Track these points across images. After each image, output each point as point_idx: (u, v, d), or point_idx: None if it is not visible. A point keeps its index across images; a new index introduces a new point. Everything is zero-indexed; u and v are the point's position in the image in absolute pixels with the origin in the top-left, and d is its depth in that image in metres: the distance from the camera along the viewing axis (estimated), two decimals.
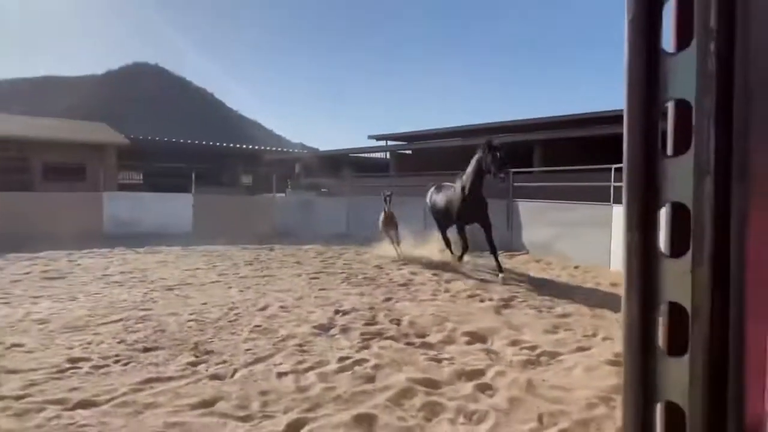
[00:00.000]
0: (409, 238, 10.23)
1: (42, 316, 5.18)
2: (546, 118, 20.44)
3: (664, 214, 0.26)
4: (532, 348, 4.41)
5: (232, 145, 32.55)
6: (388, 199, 9.34)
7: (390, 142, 29.33)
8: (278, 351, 4.19)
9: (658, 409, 0.25)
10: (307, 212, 15.26)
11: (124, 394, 3.31)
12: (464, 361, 4.02)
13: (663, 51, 0.25)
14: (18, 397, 3.25)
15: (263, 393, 3.35)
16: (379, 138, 30.09)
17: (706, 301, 0.23)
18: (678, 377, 0.25)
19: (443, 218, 9.09)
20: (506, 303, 6.09)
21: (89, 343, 4.31)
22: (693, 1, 0.23)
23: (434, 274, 7.96)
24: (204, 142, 29.58)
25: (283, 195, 19.26)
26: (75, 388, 3.40)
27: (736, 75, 0.23)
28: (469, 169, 8.16)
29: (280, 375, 3.66)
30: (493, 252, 7.69)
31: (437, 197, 9.31)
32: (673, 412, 0.25)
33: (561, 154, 16.99)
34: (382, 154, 30.27)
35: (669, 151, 0.26)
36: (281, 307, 5.77)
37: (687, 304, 0.24)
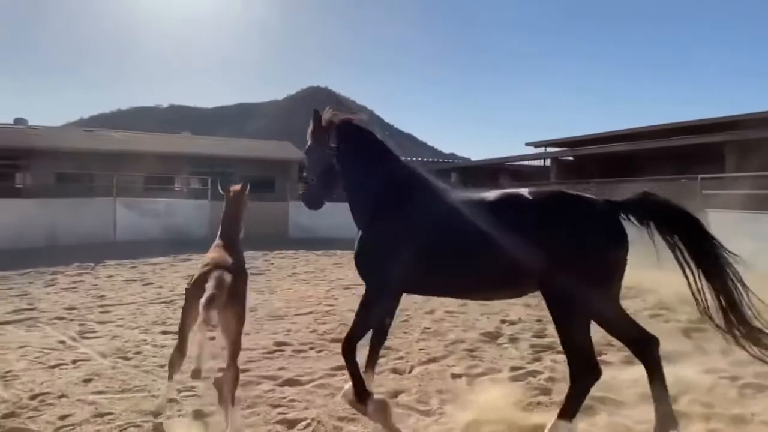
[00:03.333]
0: None
1: (250, 305, 6.18)
2: (739, 115, 17.53)
3: None
4: (733, 378, 3.88)
5: None
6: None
7: (549, 149, 28.01)
8: (450, 353, 4.38)
9: None
10: None
11: (321, 377, 3.82)
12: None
13: None
14: (241, 371, 3.94)
15: (440, 391, 3.56)
16: (537, 145, 28.95)
17: None
18: None
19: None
20: (697, 326, 5.42)
21: (289, 331, 5.05)
22: None
23: None
24: None
25: None
26: (282, 368, 4.03)
27: None
28: None
29: (455, 376, 3.84)
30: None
31: None
32: None
33: (759, 156, 14.37)
34: (540, 161, 29.03)
35: None
36: (447, 312, 5.99)
37: None
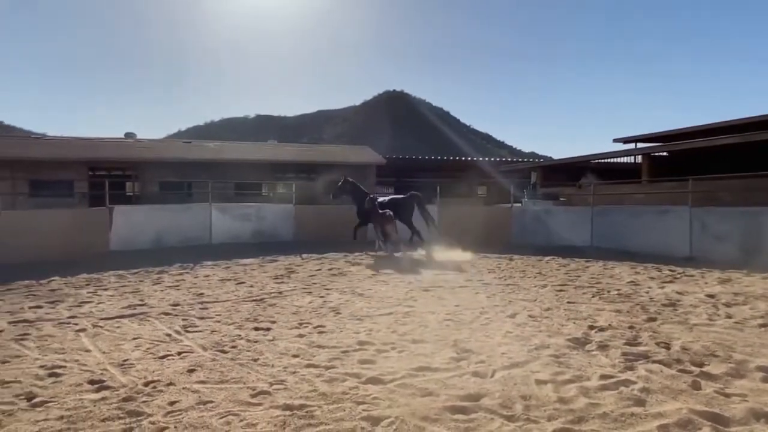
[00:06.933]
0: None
1: (334, 305, 6.43)
2: None
3: None
4: None
5: (467, 158, 33.93)
6: None
7: (640, 144, 26.14)
8: (534, 359, 4.25)
9: None
10: (544, 222, 14.82)
11: (403, 377, 3.87)
12: (762, 401, 3.38)
13: None
14: (327, 367, 4.13)
15: (524, 397, 3.47)
16: (626, 141, 27.14)
17: None
18: None
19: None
20: None
21: (371, 330, 5.18)
22: None
23: (708, 296, 6.81)
24: (444, 157, 31.78)
25: (519, 205, 19.14)
26: (366, 366, 4.14)
27: None
28: None
29: (539, 382, 3.73)
30: None
31: None
32: None
33: None
34: (629, 158, 27.19)
35: None
36: (530, 316, 5.81)
37: None
